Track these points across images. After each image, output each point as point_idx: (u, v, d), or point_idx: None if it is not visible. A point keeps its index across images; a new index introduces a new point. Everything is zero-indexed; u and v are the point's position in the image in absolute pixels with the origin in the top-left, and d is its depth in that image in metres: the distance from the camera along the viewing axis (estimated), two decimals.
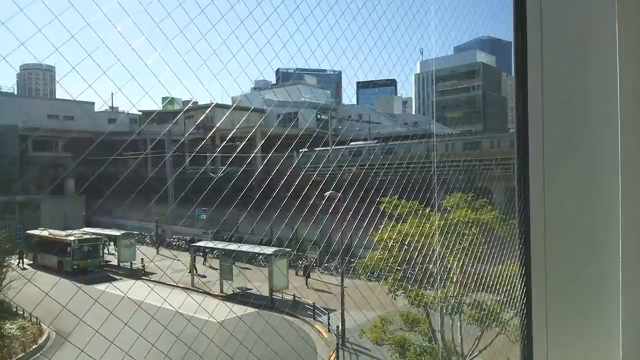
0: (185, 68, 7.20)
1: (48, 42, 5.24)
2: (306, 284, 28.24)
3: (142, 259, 34.35)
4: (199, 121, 53.13)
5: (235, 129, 32.20)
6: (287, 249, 29.00)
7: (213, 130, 42.40)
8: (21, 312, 22.30)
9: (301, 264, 32.70)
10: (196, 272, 31.60)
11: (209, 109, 49.02)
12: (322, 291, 24.38)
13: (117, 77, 6.29)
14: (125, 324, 6.99)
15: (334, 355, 17.79)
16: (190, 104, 60.54)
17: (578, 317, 1.22)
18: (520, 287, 1.57)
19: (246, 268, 30.03)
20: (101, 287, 19.48)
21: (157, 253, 38.36)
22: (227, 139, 29.30)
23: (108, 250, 35.93)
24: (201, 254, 34.88)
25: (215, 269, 29.30)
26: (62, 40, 5.31)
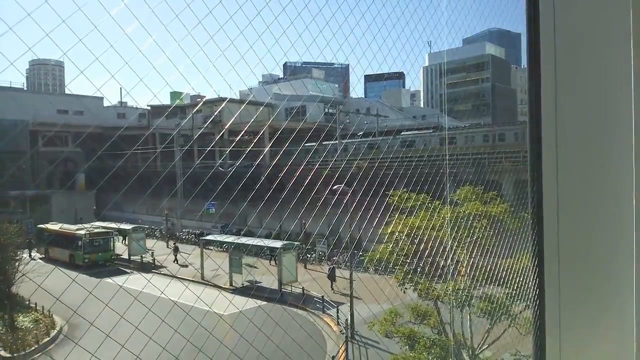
0: (195, 64, 7.22)
1: (62, 39, 5.29)
2: (332, 288, 26.02)
3: (152, 252, 34.72)
4: (207, 116, 53.34)
5: (243, 124, 32.24)
6: (296, 243, 29.09)
7: (219, 124, 42.55)
8: (34, 305, 22.60)
9: (310, 256, 32.80)
10: (177, 262, 32.92)
11: (217, 103, 49.14)
12: (354, 297, 21.16)
13: (127, 73, 6.33)
14: (153, 316, 7.07)
15: (343, 348, 17.87)
16: (198, 99, 60.80)
17: (591, 309, 1.23)
18: (533, 279, 1.57)
19: (258, 264, 30.17)
20: (113, 280, 19.71)
21: (167, 246, 38.71)
22: (236, 133, 29.35)
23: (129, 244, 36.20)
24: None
25: (252, 266, 28.47)
26: (75, 37, 5.35)
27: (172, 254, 33.88)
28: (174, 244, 36.11)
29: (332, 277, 26.27)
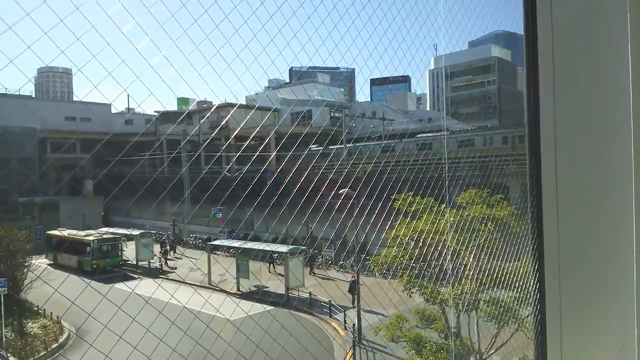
0: (203, 69, 7.24)
1: (58, 44, 5.31)
2: (353, 304, 22.06)
3: (159, 257, 34.93)
4: (213, 120, 53.59)
5: (249, 129, 32.31)
6: (303, 247, 29.06)
7: (225, 129, 42.70)
8: (42, 311, 22.72)
9: (317, 260, 32.70)
10: (166, 264, 34.25)
11: (223, 108, 49.35)
12: (377, 314, 18.59)
13: (134, 77, 6.36)
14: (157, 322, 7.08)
15: (350, 353, 17.81)
16: (204, 104, 61.15)
17: (592, 314, 1.21)
18: (533, 283, 1.56)
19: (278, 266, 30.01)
20: (121, 286, 19.80)
21: (175, 252, 38.87)
22: (242, 138, 29.42)
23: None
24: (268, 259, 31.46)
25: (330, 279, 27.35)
26: (72, 42, 5.38)
27: (162, 257, 34.68)
28: (163, 247, 36.48)
29: (353, 290, 21.92)
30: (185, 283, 24.43)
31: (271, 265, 30.71)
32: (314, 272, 30.71)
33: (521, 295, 9.83)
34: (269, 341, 8.66)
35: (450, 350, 11.10)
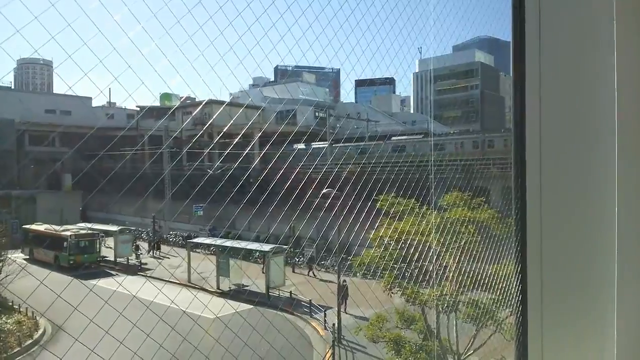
0: (184, 63, 7.18)
1: (44, 33, 5.23)
2: (344, 310, 21.42)
3: (139, 254, 34.55)
4: (196, 117, 53.11)
5: (232, 126, 32.11)
6: (284, 246, 28.92)
7: (208, 126, 42.37)
8: (17, 307, 22.26)
9: (298, 260, 32.61)
10: (138, 261, 33.94)
11: (207, 105, 48.95)
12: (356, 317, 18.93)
13: (115, 70, 6.27)
14: (140, 320, 6.99)
15: (329, 352, 17.82)
16: (187, 100, 60.53)
17: (573, 315, 1.23)
18: (516, 285, 1.58)
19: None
20: (99, 282, 19.47)
21: (159, 250, 38.41)
22: (225, 135, 29.17)
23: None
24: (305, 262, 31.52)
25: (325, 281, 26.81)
26: (59, 32, 5.29)
27: (133, 252, 34.51)
28: (133, 243, 36.11)
29: (343, 295, 20.60)
30: (163, 280, 24.13)
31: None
32: (313, 273, 30.20)
33: (502, 297, 9.96)
34: (245, 339, 8.62)
35: (430, 351, 11.18)
